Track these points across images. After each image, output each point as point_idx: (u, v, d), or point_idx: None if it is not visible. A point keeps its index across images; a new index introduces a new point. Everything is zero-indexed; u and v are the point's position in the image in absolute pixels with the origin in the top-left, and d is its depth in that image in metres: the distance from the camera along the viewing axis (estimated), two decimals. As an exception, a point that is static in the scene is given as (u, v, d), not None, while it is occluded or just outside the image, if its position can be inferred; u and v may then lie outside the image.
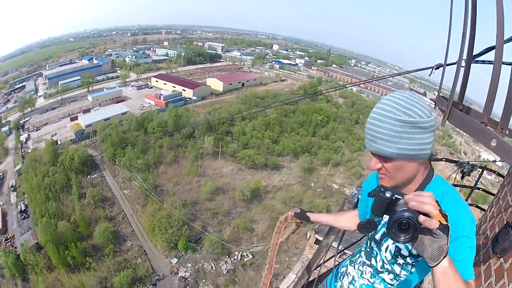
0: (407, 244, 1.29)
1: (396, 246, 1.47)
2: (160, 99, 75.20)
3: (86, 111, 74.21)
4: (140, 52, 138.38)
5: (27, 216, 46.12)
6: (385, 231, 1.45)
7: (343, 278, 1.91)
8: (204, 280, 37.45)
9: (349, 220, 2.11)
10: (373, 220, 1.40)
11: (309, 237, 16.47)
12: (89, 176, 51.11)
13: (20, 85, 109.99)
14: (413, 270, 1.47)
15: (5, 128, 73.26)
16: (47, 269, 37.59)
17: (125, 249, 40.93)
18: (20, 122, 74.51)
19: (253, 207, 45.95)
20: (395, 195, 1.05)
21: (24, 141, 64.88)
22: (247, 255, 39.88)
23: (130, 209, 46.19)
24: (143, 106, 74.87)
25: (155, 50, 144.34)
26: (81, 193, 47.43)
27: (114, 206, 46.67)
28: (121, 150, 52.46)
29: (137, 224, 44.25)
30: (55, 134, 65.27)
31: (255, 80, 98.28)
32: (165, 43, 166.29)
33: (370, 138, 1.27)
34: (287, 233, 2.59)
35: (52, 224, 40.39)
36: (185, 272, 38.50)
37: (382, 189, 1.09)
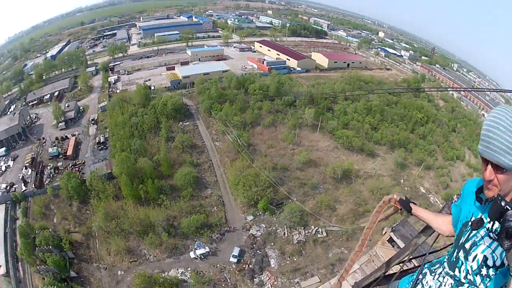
0: (493, 255, 1.51)
1: (484, 256, 1.55)
2: (263, 63, 76.18)
3: (184, 63, 78.16)
4: (243, 16, 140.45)
5: (104, 148, 49.82)
6: (475, 240, 1.60)
7: (416, 286, 1.95)
8: (272, 244, 38.07)
9: (444, 224, 2.24)
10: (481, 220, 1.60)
11: (385, 233, 15.68)
12: (181, 123, 53.62)
13: (109, 32, 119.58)
14: (489, 284, 1.55)
15: (91, 68, 79.68)
16: (113, 197, 40.13)
17: (204, 196, 42.62)
18: (110, 65, 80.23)
19: (341, 187, 45.37)
20: (507, 206, 1.19)
21: (113, 82, 70.18)
22: (322, 232, 39.64)
23: (219, 161, 47.75)
24: (245, 68, 76.65)
25: (258, 17, 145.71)
26: (169, 136, 49.97)
27: (203, 154, 48.46)
28: (219, 105, 54.12)
29: (222, 175, 45.68)
30: (149, 79, 69.40)
31: (360, 63, 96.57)
32: (269, 11, 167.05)
33: (493, 149, 1.31)
34: (384, 214, 2.59)
35: (131, 158, 42.80)
36: (257, 231, 39.38)
37: (499, 198, 1.22)
